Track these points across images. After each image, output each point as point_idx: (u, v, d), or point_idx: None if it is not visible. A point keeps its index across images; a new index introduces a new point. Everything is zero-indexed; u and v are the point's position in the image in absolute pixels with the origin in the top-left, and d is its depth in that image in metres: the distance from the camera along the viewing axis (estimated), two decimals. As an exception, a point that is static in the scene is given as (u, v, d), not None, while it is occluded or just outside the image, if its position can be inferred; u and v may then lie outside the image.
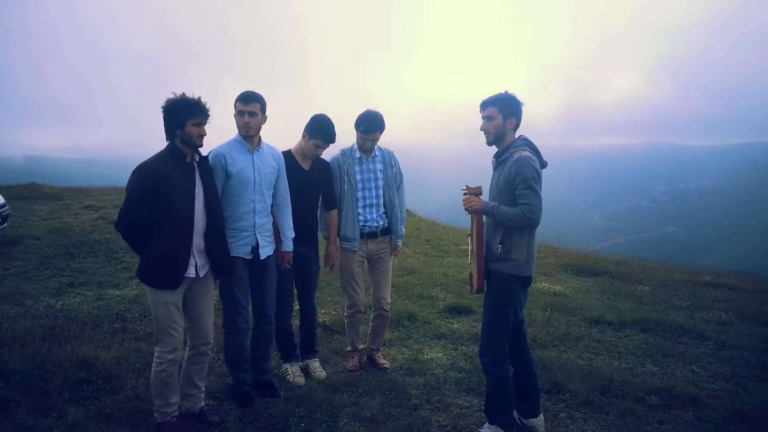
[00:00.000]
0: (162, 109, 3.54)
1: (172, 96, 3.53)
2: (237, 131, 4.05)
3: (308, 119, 4.46)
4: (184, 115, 3.48)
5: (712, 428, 3.99)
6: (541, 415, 3.87)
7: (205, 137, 3.59)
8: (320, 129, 4.35)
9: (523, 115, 3.71)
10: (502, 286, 3.65)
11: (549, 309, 6.91)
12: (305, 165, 4.49)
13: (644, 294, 8.26)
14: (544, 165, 3.65)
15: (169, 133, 3.56)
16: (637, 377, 4.77)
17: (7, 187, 15.33)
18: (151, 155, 3.63)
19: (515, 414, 3.84)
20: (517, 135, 3.73)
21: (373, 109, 4.56)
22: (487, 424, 3.70)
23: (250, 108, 3.97)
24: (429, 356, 5.22)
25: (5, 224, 8.98)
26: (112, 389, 4.25)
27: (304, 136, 4.43)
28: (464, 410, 4.18)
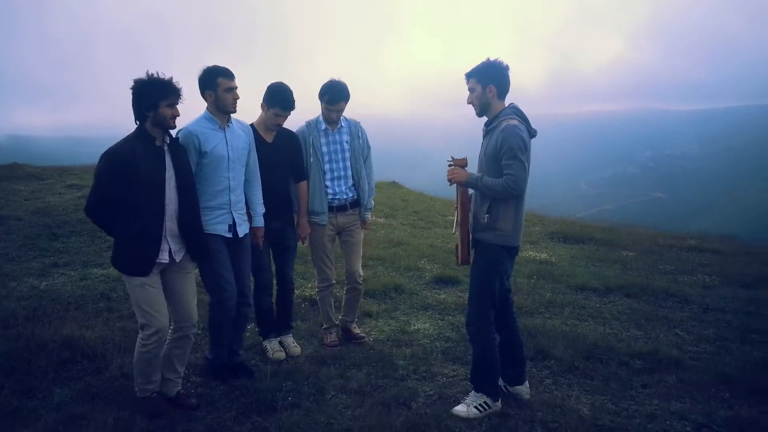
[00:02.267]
0: (132, 91, 3.41)
1: (141, 77, 3.40)
2: (206, 108, 3.94)
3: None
4: (156, 96, 3.37)
5: (695, 390, 4.04)
6: (527, 383, 3.91)
7: (178, 118, 3.49)
8: (278, 97, 4.24)
9: (511, 81, 3.64)
10: (489, 255, 3.64)
11: (535, 277, 6.95)
12: (269, 137, 4.38)
13: (629, 260, 8.33)
14: (533, 134, 3.62)
15: (140, 115, 3.43)
16: (621, 342, 4.82)
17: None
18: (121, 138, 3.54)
19: (501, 382, 3.88)
20: (507, 102, 3.67)
21: (336, 79, 4.47)
22: (473, 392, 3.73)
23: (236, 83, 3.90)
24: (416, 327, 5.24)
25: (-15, 206, 8.84)
26: (97, 369, 4.24)
27: (263, 107, 4.32)
28: (450, 379, 4.21)
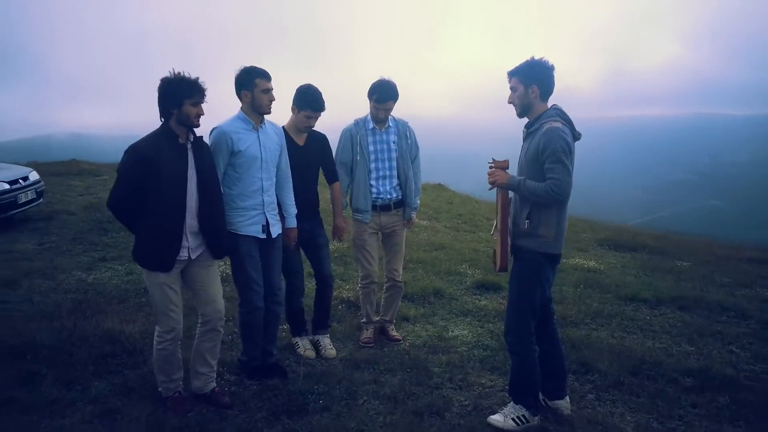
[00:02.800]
0: (158, 88, 3.43)
1: (168, 75, 3.42)
2: (241, 108, 3.94)
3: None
4: (181, 95, 3.38)
5: (750, 413, 3.78)
6: (567, 397, 3.74)
7: (202, 117, 3.50)
8: (307, 99, 4.23)
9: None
10: (529, 263, 3.49)
11: (581, 285, 6.70)
12: (300, 140, 4.39)
13: (683, 270, 7.96)
14: (577, 137, 3.46)
15: (164, 113, 3.45)
16: (671, 357, 4.58)
17: (49, 163, 15.74)
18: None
19: (540, 396, 3.72)
20: (550, 104, 3.53)
21: (386, 78, 4.43)
22: (511, 404, 3.59)
23: (272, 85, 3.91)
24: (454, 333, 5.11)
25: (41, 200, 9.17)
26: (135, 363, 4.28)
27: (293, 110, 4.32)
28: (487, 389, 4.07)
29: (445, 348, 4.77)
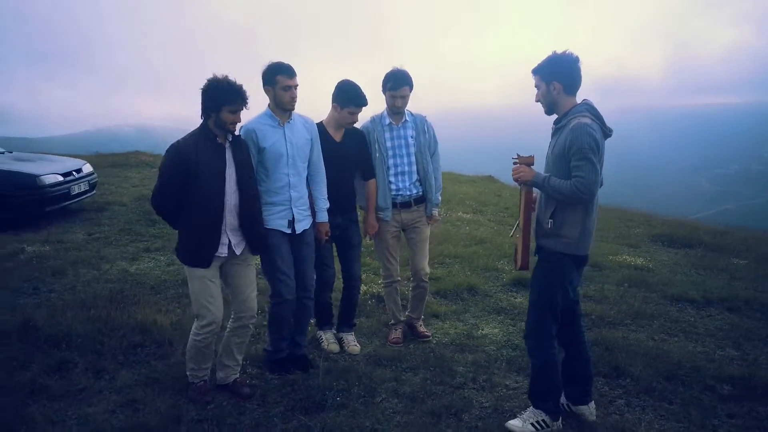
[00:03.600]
0: (202, 88, 3.50)
1: (214, 77, 3.48)
2: (268, 105, 3.97)
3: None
4: (222, 101, 3.44)
5: (793, 426, 3.53)
6: (592, 403, 3.58)
7: (238, 124, 3.57)
8: (350, 96, 4.20)
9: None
10: (551, 264, 3.35)
11: (626, 284, 6.43)
12: (337, 136, 4.36)
13: (738, 268, 7.53)
14: (607, 134, 3.28)
15: (204, 113, 3.53)
16: (711, 363, 4.32)
17: (112, 155, 16.40)
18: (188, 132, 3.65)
19: (563, 400, 3.59)
20: (580, 99, 3.36)
21: (398, 67, 4.38)
22: (531, 408, 3.47)
23: (296, 81, 3.90)
24: (484, 332, 4.99)
25: (93, 192, 9.50)
26: (163, 354, 4.37)
27: (334, 107, 4.28)
28: (511, 391, 3.95)
29: (472, 347, 4.66)
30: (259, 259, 4.09)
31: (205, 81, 3.49)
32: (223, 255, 3.63)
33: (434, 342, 4.74)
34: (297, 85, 3.89)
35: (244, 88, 3.50)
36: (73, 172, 9.01)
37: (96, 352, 4.32)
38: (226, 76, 3.50)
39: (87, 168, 9.50)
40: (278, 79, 3.82)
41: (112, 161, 14.93)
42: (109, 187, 11.11)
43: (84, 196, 9.20)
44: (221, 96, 3.44)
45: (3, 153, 9.35)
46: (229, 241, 3.62)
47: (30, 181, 8.16)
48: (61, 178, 8.61)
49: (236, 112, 3.49)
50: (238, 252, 3.68)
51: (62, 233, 7.98)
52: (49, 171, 8.56)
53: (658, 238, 9.63)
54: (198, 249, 3.56)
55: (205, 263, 3.56)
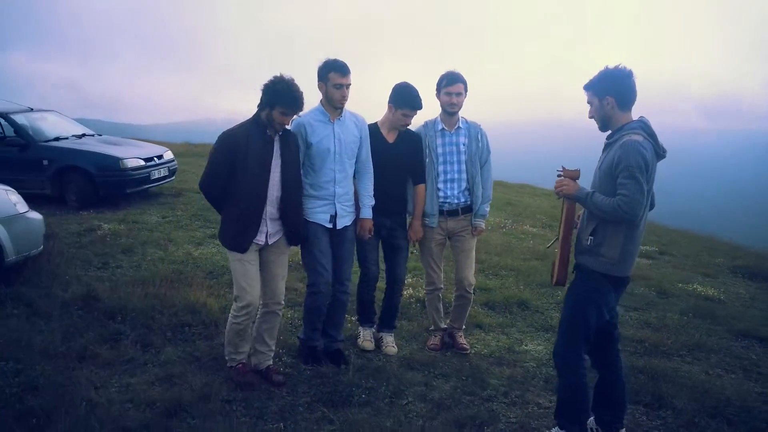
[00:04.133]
0: (265, 83, 3.63)
1: (281, 76, 3.60)
2: (320, 100, 4.03)
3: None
4: (277, 100, 3.56)
5: None
6: (624, 430, 3.42)
7: (286, 125, 3.69)
8: (406, 97, 4.20)
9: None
10: (588, 283, 3.24)
11: (690, 314, 6.08)
12: (390, 137, 4.36)
13: (823, 309, 6.95)
14: (661, 154, 3.14)
15: (260, 106, 3.66)
16: (766, 404, 4.03)
17: (199, 145, 17.24)
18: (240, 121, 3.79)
19: (592, 423, 3.45)
20: (636, 115, 3.23)
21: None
22: (556, 428, 3.36)
23: (348, 80, 3.96)
24: (526, 347, 4.87)
25: (172, 178, 10.03)
26: (208, 335, 4.56)
27: (390, 108, 4.29)
28: (543, 410, 3.84)
29: (511, 361, 4.56)
30: (299, 250, 4.19)
31: (272, 77, 3.62)
32: (260, 243, 3.76)
33: (472, 352, 4.67)
34: (349, 84, 3.94)
35: (303, 96, 3.61)
36: (155, 158, 9.54)
37: (147, 327, 4.56)
38: (292, 79, 3.61)
39: (168, 155, 10.02)
40: (331, 76, 3.89)
41: (198, 151, 15.66)
42: (189, 174, 11.66)
43: (163, 181, 9.72)
44: (278, 96, 3.56)
45: (93, 135, 10.02)
46: (267, 230, 3.74)
47: (113, 163, 8.72)
48: (142, 163, 9.14)
49: (287, 115, 3.62)
50: (271, 242, 3.80)
51: (139, 214, 8.46)
52: (132, 155, 9.10)
53: (739, 269, 9.04)
54: (238, 235, 3.69)
55: (243, 249, 3.69)
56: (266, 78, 3.65)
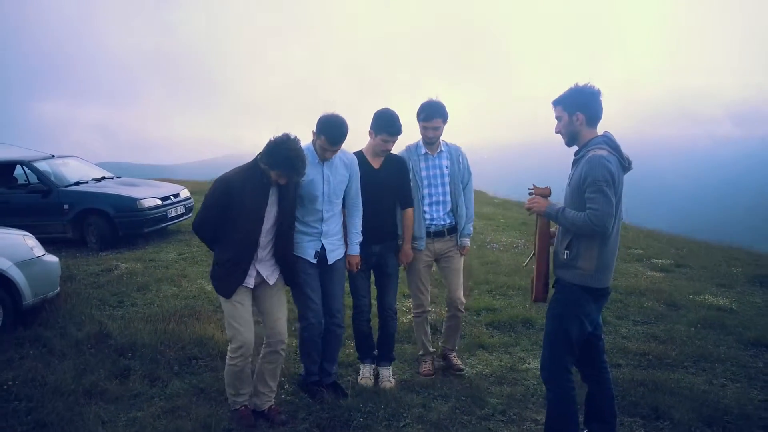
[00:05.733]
0: (269, 141, 3.61)
1: (286, 138, 3.58)
2: (312, 140, 4.04)
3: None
4: (276, 164, 3.57)
5: None
6: (616, 443, 3.45)
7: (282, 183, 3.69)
8: (384, 123, 4.25)
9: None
10: (567, 296, 3.31)
11: (699, 325, 6.04)
12: (376, 163, 4.42)
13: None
14: (627, 166, 3.24)
15: (260, 158, 3.66)
16: (767, 411, 4.00)
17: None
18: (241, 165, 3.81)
19: (586, 436, 3.49)
20: (601, 131, 3.35)
21: (434, 99, 4.42)
22: (547, 443, 3.40)
23: (338, 148, 4.02)
24: (529, 366, 4.90)
25: (189, 215, 10.30)
26: (214, 367, 4.68)
27: (370, 134, 4.36)
28: (540, 426, 3.86)
29: (512, 380, 4.60)
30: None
31: (278, 137, 3.60)
32: (249, 286, 3.78)
33: (474, 372, 4.73)
34: (337, 150, 4.00)
35: (306, 161, 3.61)
36: (171, 197, 9.85)
37: (155, 362, 4.72)
38: (298, 144, 3.58)
39: (184, 193, 10.34)
40: (323, 138, 3.92)
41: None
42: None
43: (180, 219, 10.01)
44: (279, 161, 3.56)
45: (112, 178, 10.40)
46: (257, 272, 3.78)
47: (131, 204, 9.04)
48: (159, 202, 9.45)
49: (283, 178, 3.63)
50: (271, 282, 3.84)
51: (156, 252, 8.73)
52: (149, 195, 9.42)
53: (758, 278, 8.91)
54: (225, 279, 3.72)
55: (227, 294, 3.72)
56: (290, 114, 3.62)
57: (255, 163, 3.72)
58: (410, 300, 4.95)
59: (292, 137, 3.60)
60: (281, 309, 3.96)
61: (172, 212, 9.70)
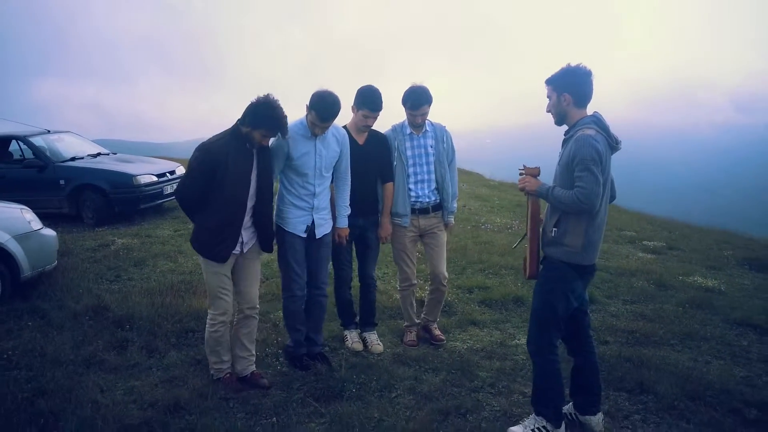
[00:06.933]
0: (252, 101, 3.67)
1: (265, 98, 3.66)
2: (306, 115, 4.05)
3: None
4: (259, 122, 3.64)
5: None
6: (600, 414, 3.56)
7: (264, 144, 3.79)
8: (365, 99, 4.33)
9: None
10: (553, 272, 3.40)
11: (687, 305, 6.16)
12: (360, 139, 4.52)
13: (826, 297, 6.94)
14: (614, 146, 3.31)
15: (242, 121, 3.73)
16: (749, 387, 4.12)
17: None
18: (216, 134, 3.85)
19: (570, 409, 3.61)
20: (591, 111, 3.41)
21: (417, 84, 4.47)
22: (533, 415, 3.51)
23: (331, 124, 4.08)
24: (519, 341, 5.00)
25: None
26: (211, 339, 4.77)
27: (353, 109, 4.44)
28: (527, 398, 3.97)
29: (502, 354, 4.71)
30: (274, 254, 4.32)
31: (259, 97, 3.67)
32: (237, 252, 3.88)
33: (465, 347, 4.83)
34: (329, 126, 4.06)
35: (287, 119, 3.70)
36: (167, 174, 9.87)
37: (153, 334, 4.81)
38: (277, 101, 3.66)
39: (180, 170, 10.35)
40: (314, 114, 3.95)
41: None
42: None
43: (175, 196, 10.04)
44: (262, 120, 3.64)
45: (108, 154, 10.40)
46: (242, 239, 3.88)
47: (127, 180, 9.06)
48: (155, 179, 9.47)
49: (267, 137, 3.73)
50: (245, 250, 3.93)
51: (152, 228, 8.78)
52: (145, 171, 9.44)
53: (748, 261, 9.03)
54: (217, 245, 3.78)
55: (223, 259, 3.80)
56: (297, 95, 3.70)
57: (236, 128, 3.77)
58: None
59: (272, 97, 3.67)
60: (255, 276, 4.08)
61: (168, 189, 9.73)
